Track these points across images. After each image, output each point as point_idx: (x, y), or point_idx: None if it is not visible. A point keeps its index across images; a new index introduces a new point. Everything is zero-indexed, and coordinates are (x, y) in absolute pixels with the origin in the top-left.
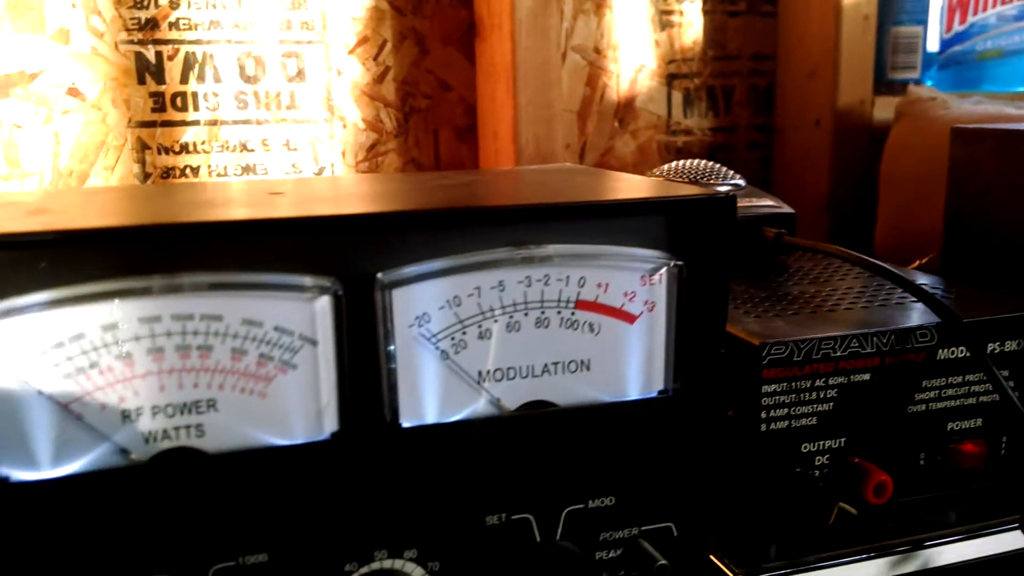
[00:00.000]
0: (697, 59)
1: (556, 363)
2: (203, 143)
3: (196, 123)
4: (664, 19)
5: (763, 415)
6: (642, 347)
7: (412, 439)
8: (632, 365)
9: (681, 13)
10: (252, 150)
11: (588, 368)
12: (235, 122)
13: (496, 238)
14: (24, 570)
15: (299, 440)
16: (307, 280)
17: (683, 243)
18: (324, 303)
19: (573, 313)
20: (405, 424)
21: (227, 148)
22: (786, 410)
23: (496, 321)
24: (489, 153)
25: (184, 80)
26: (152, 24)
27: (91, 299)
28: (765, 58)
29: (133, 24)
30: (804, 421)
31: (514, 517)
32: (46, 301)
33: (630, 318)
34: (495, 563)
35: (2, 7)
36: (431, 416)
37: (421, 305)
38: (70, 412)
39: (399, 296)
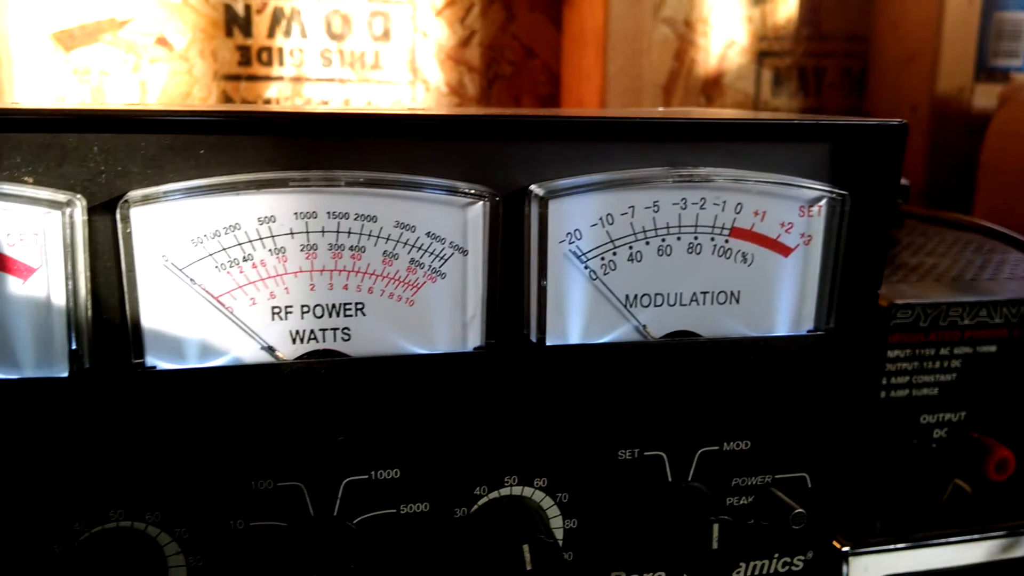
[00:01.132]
0: (790, 38)
1: (705, 293)
2: (286, 99)
3: (280, 79)
4: None
5: (884, 382)
6: (795, 282)
7: (555, 359)
8: (783, 300)
9: None
10: None
11: (737, 300)
12: (319, 80)
13: (653, 156)
14: (162, 459)
15: (442, 351)
16: (462, 186)
17: (846, 173)
18: (477, 211)
19: (727, 241)
20: (550, 343)
21: (310, 106)
22: (908, 378)
23: (648, 243)
24: None
25: (271, 34)
26: None
27: (249, 188)
28: (860, 40)
29: None
30: (925, 391)
31: (647, 454)
32: (204, 187)
33: (785, 250)
34: (624, 500)
35: None
36: (575, 337)
37: (573, 221)
38: (221, 305)
39: (552, 209)
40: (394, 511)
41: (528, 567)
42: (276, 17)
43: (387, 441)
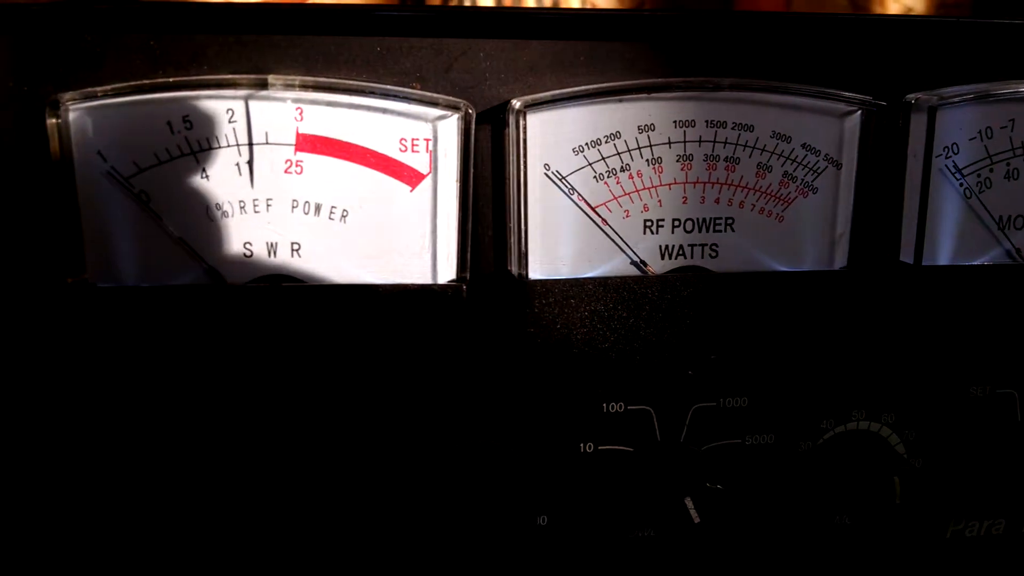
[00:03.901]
0: (968, 5)
1: None
2: None
3: None
4: None
5: None
6: None
7: (928, 282)
8: None
9: None
10: None
11: None
12: None
13: None
14: (527, 376)
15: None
16: (842, 94)
17: None
18: (854, 123)
19: None
20: (924, 264)
21: None
22: None
23: None
24: None
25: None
26: None
27: (634, 92)
28: None
29: None
30: None
31: (999, 391)
32: (590, 92)
33: None
34: (973, 439)
35: None
36: (944, 260)
37: (951, 134)
38: (596, 216)
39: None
40: (739, 441)
41: (897, 500)
42: None
43: (738, 367)
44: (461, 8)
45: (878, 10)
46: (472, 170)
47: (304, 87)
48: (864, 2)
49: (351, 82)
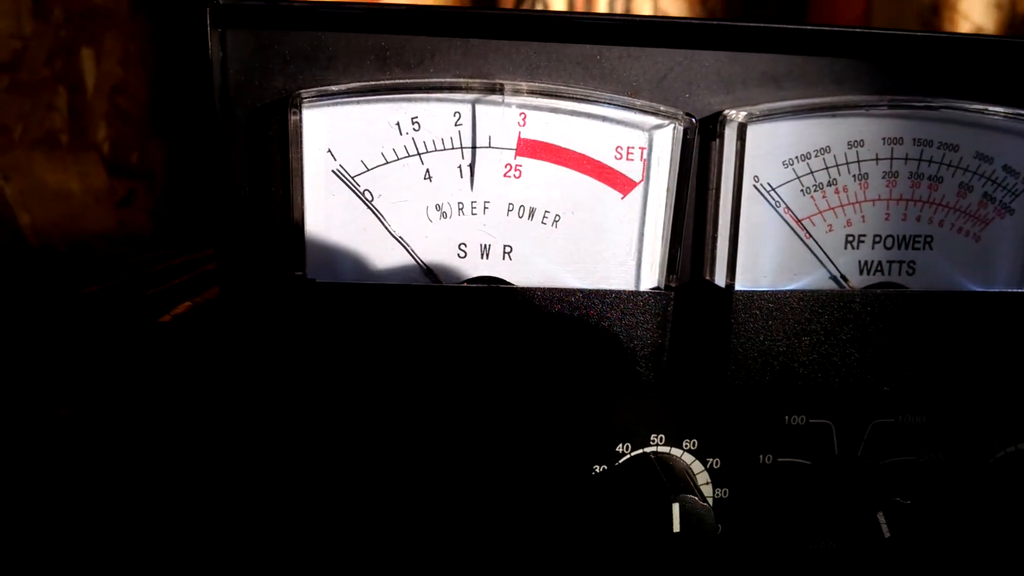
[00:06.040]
0: None
1: None
2: None
3: None
4: None
5: None
6: None
7: None
8: None
9: None
10: None
11: None
12: None
13: None
14: (722, 370)
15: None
16: None
17: None
18: None
19: None
20: None
21: None
22: None
23: None
24: None
25: None
26: None
27: (844, 110)
28: None
29: None
30: None
31: None
32: (803, 107)
33: None
34: None
35: None
36: None
37: None
38: (800, 229)
39: None
40: (914, 458)
41: None
42: (519, 5)
43: (917, 385)
44: (682, 19)
45: (948, 28)
46: (684, 180)
47: (531, 93)
48: (935, 20)
49: (577, 89)
